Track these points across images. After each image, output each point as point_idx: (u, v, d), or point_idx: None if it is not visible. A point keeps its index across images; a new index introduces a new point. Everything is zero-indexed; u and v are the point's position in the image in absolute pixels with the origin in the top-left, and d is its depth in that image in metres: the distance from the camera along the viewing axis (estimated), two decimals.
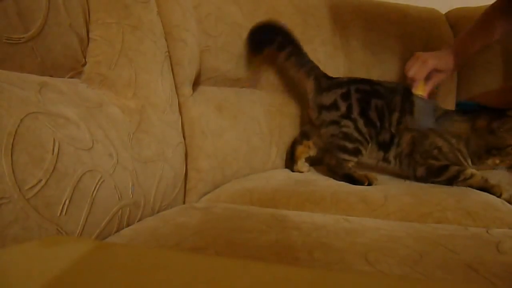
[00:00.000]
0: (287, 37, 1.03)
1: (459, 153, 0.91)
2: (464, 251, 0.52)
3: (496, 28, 1.04)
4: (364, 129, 0.95)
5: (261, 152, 1.02)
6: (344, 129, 0.95)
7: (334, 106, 0.97)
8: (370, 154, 0.98)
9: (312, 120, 1.02)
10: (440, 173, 0.90)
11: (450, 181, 0.88)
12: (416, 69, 1.00)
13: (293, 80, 1.10)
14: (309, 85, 1.02)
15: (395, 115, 0.95)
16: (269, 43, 1.03)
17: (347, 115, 0.96)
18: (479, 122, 0.89)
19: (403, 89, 0.99)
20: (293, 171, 1.02)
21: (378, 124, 0.96)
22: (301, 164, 1.02)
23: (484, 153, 0.89)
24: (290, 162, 1.04)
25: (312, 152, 1.03)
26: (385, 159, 0.98)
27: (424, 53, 1.02)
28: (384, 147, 0.97)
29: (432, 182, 0.90)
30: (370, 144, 0.96)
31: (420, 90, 0.99)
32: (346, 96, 0.97)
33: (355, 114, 0.95)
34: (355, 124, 0.95)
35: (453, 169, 0.89)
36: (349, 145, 0.95)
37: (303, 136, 1.04)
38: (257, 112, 1.04)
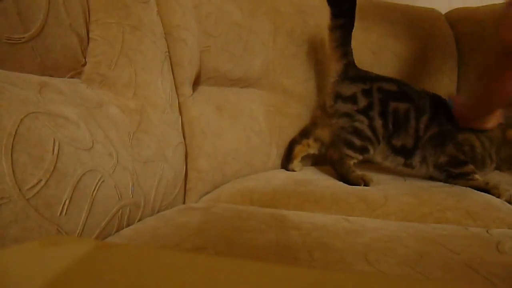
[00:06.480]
0: (350, 7, 0.96)
1: (489, 158, 0.92)
2: (464, 251, 0.52)
3: None
4: (380, 130, 0.93)
5: (261, 152, 1.02)
6: (357, 124, 0.93)
7: (351, 99, 0.95)
8: (385, 157, 0.96)
9: (325, 107, 0.98)
10: (459, 166, 0.91)
11: (458, 176, 0.89)
12: None
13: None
14: (337, 68, 0.98)
15: (424, 119, 0.93)
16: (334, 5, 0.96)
17: (365, 111, 0.93)
18: (510, 132, 0.90)
19: (432, 96, 0.96)
20: (287, 169, 1.02)
21: (390, 126, 0.94)
22: (296, 163, 1.02)
23: None
24: (286, 161, 1.04)
25: (312, 150, 1.02)
26: (407, 164, 0.95)
27: None
28: (404, 152, 0.94)
29: (444, 171, 0.91)
30: (380, 145, 0.95)
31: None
32: (368, 93, 0.95)
33: (375, 112, 0.93)
34: (370, 122, 0.93)
35: (469, 168, 0.90)
36: (357, 142, 0.93)
37: (303, 135, 1.04)
38: (257, 112, 1.04)
